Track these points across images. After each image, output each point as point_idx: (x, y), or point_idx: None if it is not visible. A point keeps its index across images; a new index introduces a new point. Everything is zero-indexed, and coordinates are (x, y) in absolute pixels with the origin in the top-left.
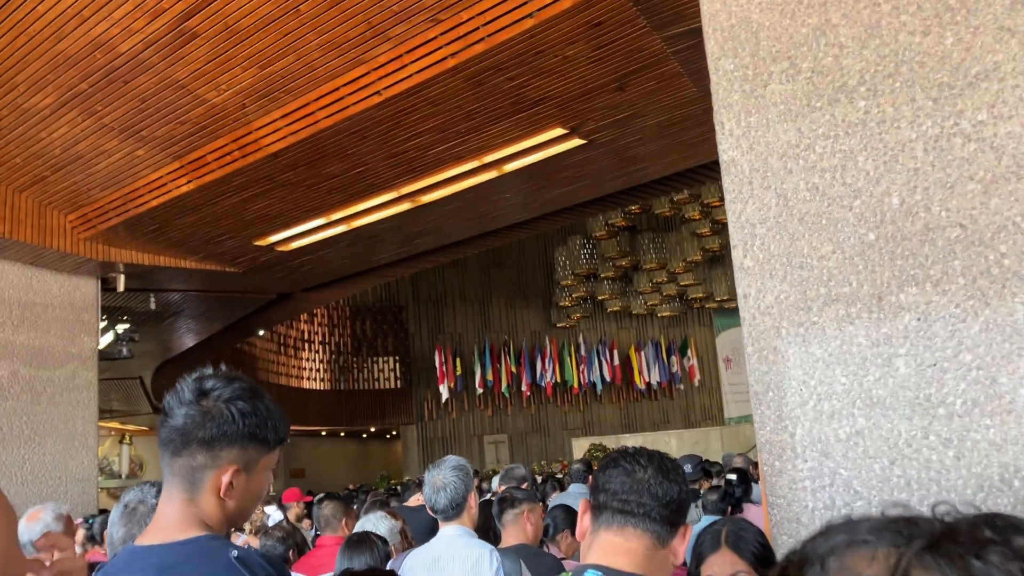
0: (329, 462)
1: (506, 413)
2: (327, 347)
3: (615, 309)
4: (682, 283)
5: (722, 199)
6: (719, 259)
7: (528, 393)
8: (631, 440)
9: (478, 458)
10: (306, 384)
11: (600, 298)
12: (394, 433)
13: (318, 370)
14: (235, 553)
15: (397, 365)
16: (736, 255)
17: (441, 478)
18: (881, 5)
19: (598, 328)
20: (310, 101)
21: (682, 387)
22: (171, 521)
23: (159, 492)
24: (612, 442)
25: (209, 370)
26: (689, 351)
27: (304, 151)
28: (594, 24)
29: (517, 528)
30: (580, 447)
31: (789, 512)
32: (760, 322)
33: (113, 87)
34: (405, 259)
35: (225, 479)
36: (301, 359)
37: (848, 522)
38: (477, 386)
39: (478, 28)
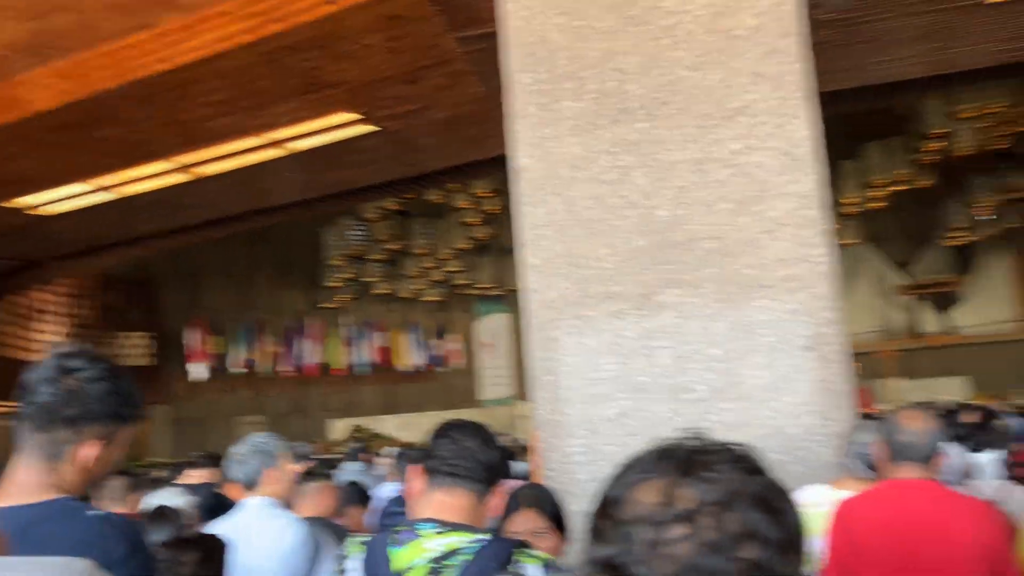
0: None
1: (265, 394)
2: (71, 319)
3: (382, 292)
4: (448, 270)
5: (494, 191)
6: (485, 248)
7: (290, 374)
8: (391, 421)
9: (234, 440)
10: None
11: (367, 280)
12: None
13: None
14: (94, 512)
15: (149, 341)
16: (524, 253)
17: (241, 453)
18: (661, 39)
19: (364, 310)
20: (88, 60)
21: (442, 370)
22: (27, 485)
23: None
24: (372, 423)
25: (68, 347)
26: (451, 335)
27: (77, 112)
28: (392, 17)
29: (315, 501)
30: (338, 428)
31: (561, 484)
32: (543, 314)
33: None
34: (174, 231)
35: (87, 453)
36: (40, 331)
37: (629, 462)
38: (236, 365)
39: (278, 7)
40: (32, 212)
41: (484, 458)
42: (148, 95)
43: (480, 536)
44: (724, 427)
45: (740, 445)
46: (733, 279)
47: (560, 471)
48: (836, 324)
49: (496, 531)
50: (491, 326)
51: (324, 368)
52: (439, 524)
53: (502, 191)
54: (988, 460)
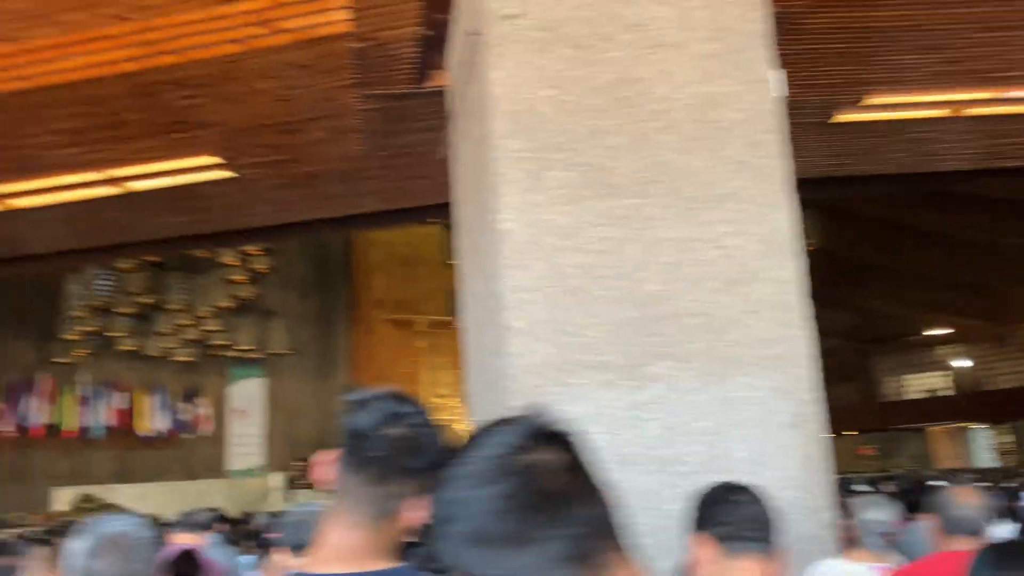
0: None
1: None
2: None
3: (126, 348)
4: (205, 328)
5: (264, 250)
6: (246, 308)
7: (11, 435)
8: (126, 490)
9: None
10: None
11: (111, 335)
12: None
13: None
14: None
15: None
16: (507, 316)
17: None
18: (648, 123)
19: (103, 367)
20: None
21: (188, 436)
22: (353, 549)
23: (144, 525)
24: (103, 492)
25: (387, 391)
26: (201, 399)
27: None
28: (299, 66)
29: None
30: (63, 497)
31: None
32: (525, 380)
33: None
34: None
35: (415, 508)
36: None
37: None
38: None
39: (171, 39)
40: None
41: (770, 517)
42: None
43: None
44: None
45: None
46: (718, 355)
47: None
48: (816, 404)
49: None
50: (244, 391)
51: (52, 430)
52: None
53: (273, 251)
54: None
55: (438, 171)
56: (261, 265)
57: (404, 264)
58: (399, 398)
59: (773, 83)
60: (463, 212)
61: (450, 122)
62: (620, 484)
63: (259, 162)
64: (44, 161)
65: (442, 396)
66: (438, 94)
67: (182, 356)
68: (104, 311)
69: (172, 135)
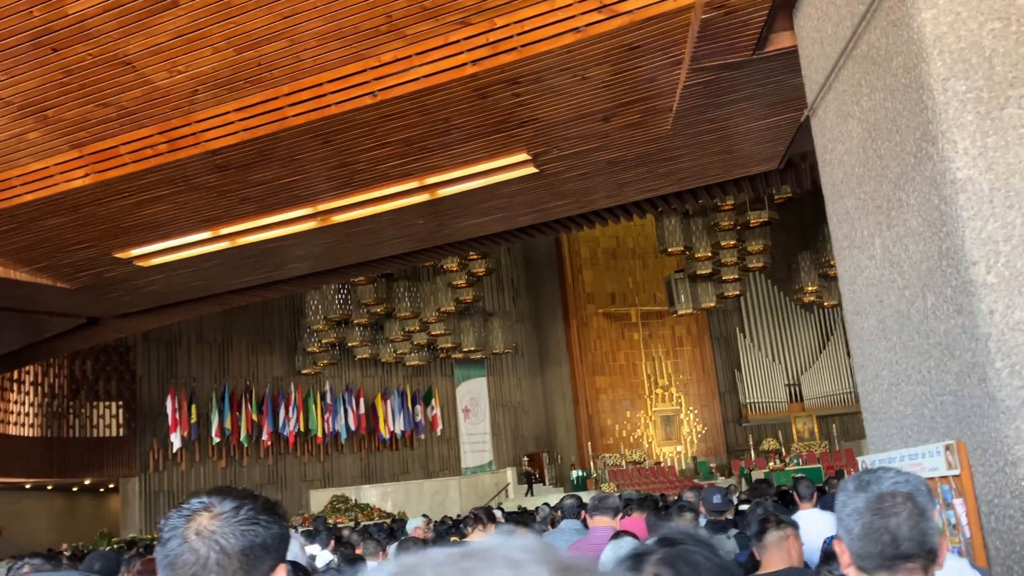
0: (33, 518)
1: (241, 464)
2: (39, 388)
3: (364, 356)
4: (433, 333)
5: (483, 255)
6: (467, 310)
7: (268, 443)
8: (372, 491)
9: None
10: (12, 430)
11: (351, 345)
12: (111, 486)
13: (27, 415)
14: None
15: (120, 411)
16: (977, 271)
17: None
18: None
19: (343, 375)
20: (280, 95)
21: (423, 437)
22: None
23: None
24: (353, 493)
25: None
26: (433, 400)
27: (249, 151)
28: (630, 47)
29: (782, 551)
30: (318, 499)
31: None
32: (1011, 338)
33: (36, 54)
34: (263, 285)
35: None
36: (8, 401)
37: None
38: (214, 435)
39: (513, 36)
40: (136, 263)
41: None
42: (332, 133)
43: None
44: None
45: None
46: None
47: None
48: None
49: None
50: (470, 391)
51: (303, 436)
52: None
53: (489, 254)
54: None
55: (742, 143)
56: (479, 268)
57: (612, 258)
58: None
59: None
60: (841, 172)
61: (826, 81)
62: None
63: (563, 155)
64: (370, 174)
65: (664, 386)
66: (780, 57)
67: (413, 361)
68: (341, 323)
69: (494, 136)
